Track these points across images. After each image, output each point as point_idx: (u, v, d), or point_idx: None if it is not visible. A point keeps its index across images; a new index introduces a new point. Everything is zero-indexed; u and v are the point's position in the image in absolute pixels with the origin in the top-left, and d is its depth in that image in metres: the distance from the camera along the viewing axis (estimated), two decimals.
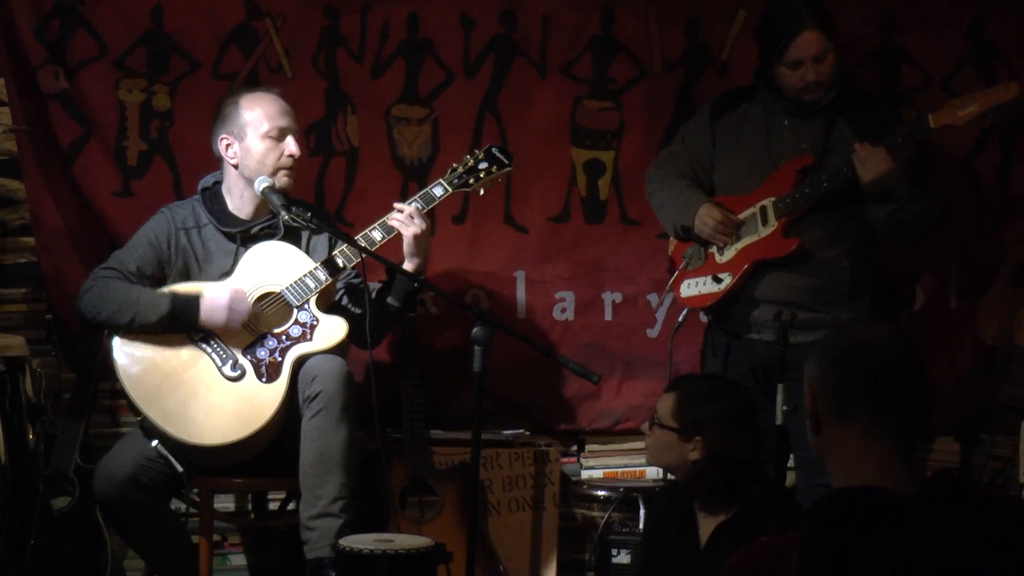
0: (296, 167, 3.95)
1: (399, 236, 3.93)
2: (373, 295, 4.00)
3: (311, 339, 3.84)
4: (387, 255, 3.93)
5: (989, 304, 4.50)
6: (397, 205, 3.95)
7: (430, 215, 4.04)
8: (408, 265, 3.92)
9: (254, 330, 3.83)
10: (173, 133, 4.45)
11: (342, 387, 3.72)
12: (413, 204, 3.94)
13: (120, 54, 4.41)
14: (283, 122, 3.93)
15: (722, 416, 3.21)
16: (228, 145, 3.94)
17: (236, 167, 3.95)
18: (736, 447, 3.22)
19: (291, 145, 3.92)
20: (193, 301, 3.78)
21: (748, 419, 3.28)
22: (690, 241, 4.13)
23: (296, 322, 3.85)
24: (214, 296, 3.79)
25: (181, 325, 3.78)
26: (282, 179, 3.91)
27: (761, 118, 4.06)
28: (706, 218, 4.00)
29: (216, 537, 4.25)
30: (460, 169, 4.03)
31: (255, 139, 3.91)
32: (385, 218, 3.94)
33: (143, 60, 4.42)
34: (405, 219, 3.89)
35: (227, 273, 3.90)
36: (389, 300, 3.98)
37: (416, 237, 3.89)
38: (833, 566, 1.80)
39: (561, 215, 4.59)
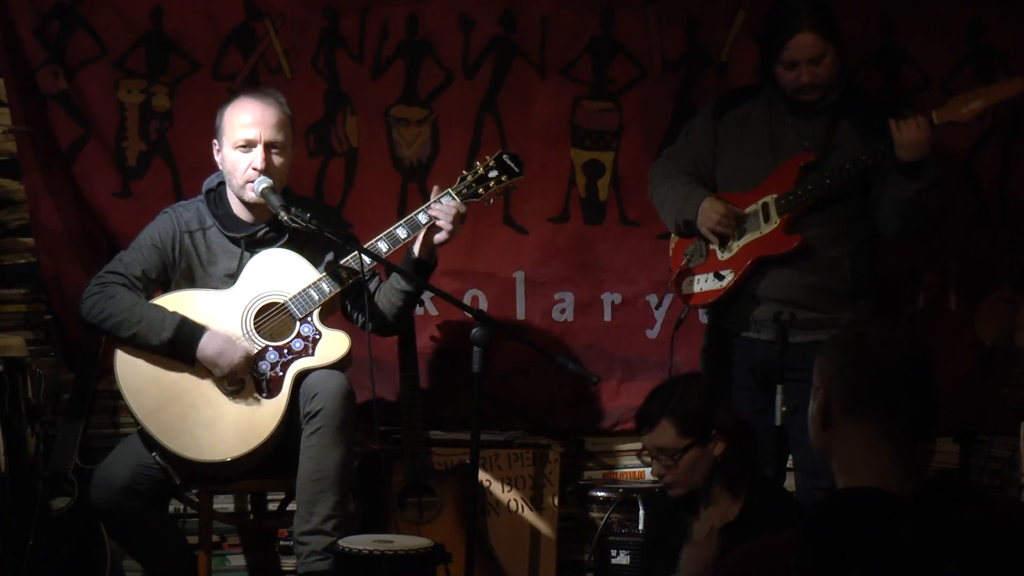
0: (271, 179, 3.82)
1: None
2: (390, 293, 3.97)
3: (313, 354, 3.82)
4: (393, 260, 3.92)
5: (989, 305, 4.50)
6: (444, 201, 3.86)
7: None
8: (422, 250, 3.86)
9: (256, 343, 3.81)
10: (172, 134, 4.45)
11: (342, 405, 3.70)
12: (460, 205, 3.87)
13: (120, 55, 4.41)
14: (250, 133, 3.83)
15: (707, 398, 3.23)
16: (217, 151, 3.93)
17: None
18: (735, 408, 3.36)
19: (255, 158, 3.83)
20: (194, 335, 3.74)
21: (712, 384, 3.47)
22: (692, 237, 4.12)
23: (298, 335, 3.83)
24: (213, 336, 3.74)
25: (179, 355, 3.76)
26: (248, 192, 3.85)
27: (765, 116, 4.06)
28: (709, 212, 3.99)
29: (215, 538, 4.25)
30: (469, 178, 3.96)
31: (228, 148, 3.87)
32: (417, 211, 3.86)
33: (143, 61, 4.43)
34: (453, 221, 3.82)
35: (232, 275, 3.89)
36: (404, 287, 3.94)
37: (450, 234, 3.84)
38: (832, 566, 1.81)
39: (560, 216, 4.59)
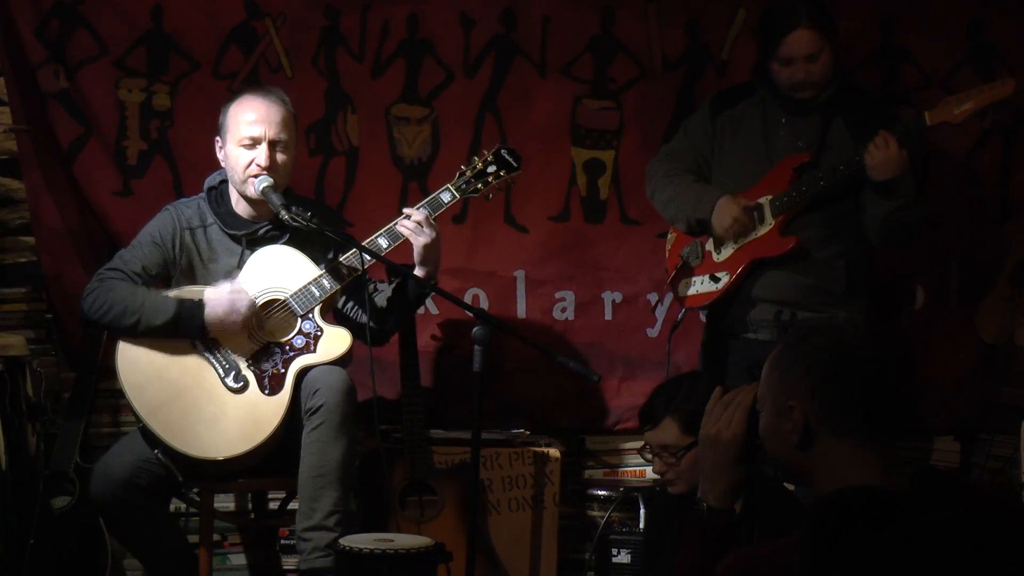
0: (274, 177, 3.83)
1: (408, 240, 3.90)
2: (390, 292, 3.96)
3: (314, 350, 3.82)
4: (395, 258, 3.90)
5: (989, 304, 4.50)
6: (407, 210, 3.87)
7: None
8: (418, 272, 3.86)
9: (258, 339, 3.82)
10: (173, 133, 4.45)
11: (343, 401, 3.70)
12: (423, 211, 3.85)
13: (120, 54, 4.41)
14: (255, 131, 3.83)
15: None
16: (220, 148, 3.93)
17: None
18: None
19: (260, 155, 3.83)
20: (197, 304, 3.75)
21: (716, 383, 3.44)
22: (703, 235, 4.12)
23: (300, 332, 3.83)
24: (216, 297, 3.77)
25: (186, 329, 3.76)
26: (249, 188, 3.85)
27: (759, 116, 4.06)
28: (725, 211, 3.98)
29: (216, 537, 4.25)
30: (468, 173, 3.97)
31: (232, 145, 3.86)
32: (393, 224, 3.87)
33: (143, 60, 4.43)
34: (414, 227, 3.82)
35: (232, 273, 3.89)
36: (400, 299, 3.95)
37: (426, 246, 3.82)
38: (836, 564, 1.81)
39: (561, 215, 4.59)
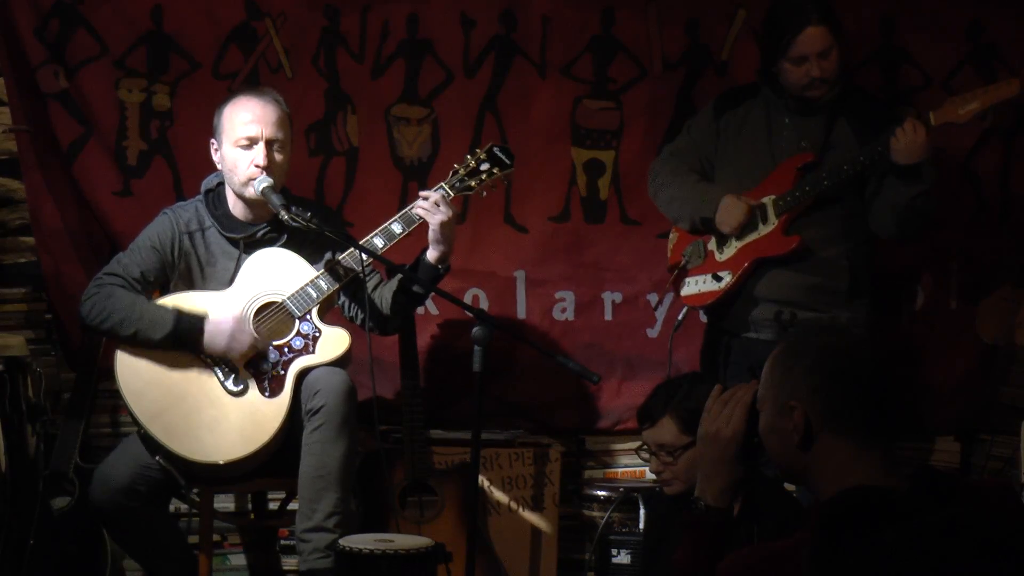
0: (272, 177, 3.82)
1: (408, 234, 3.90)
2: (395, 285, 3.96)
3: (313, 351, 3.82)
4: (404, 246, 3.90)
5: (989, 304, 4.50)
6: (423, 193, 3.86)
7: None
8: (433, 253, 3.84)
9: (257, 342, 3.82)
10: (173, 133, 4.45)
11: (343, 402, 3.70)
12: (439, 192, 3.86)
13: (120, 54, 4.41)
14: (252, 131, 3.82)
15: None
16: (215, 150, 3.92)
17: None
18: None
19: (258, 155, 3.82)
20: (197, 325, 3.75)
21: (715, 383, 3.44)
22: (707, 234, 4.12)
23: (298, 333, 3.83)
24: (218, 322, 3.76)
25: (184, 346, 3.76)
26: (249, 190, 3.84)
27: (763, 116, 4.07)
28: (732, 210, 3.99)
29: (216, 537, 4.25)
30: (462, 172, 3.97)
31: (228, 146, 3.86)
32: (408, 207, 3.87)
33: (143, 60, 4.43)
34: (431, 207, 3.81)
35: (231, 276, 3.88)
36: (415, 288, 3.94)
37: (442, 225, 3.81)
38: (841, 565, 1.81)
39: (561, 215, 4.59)
